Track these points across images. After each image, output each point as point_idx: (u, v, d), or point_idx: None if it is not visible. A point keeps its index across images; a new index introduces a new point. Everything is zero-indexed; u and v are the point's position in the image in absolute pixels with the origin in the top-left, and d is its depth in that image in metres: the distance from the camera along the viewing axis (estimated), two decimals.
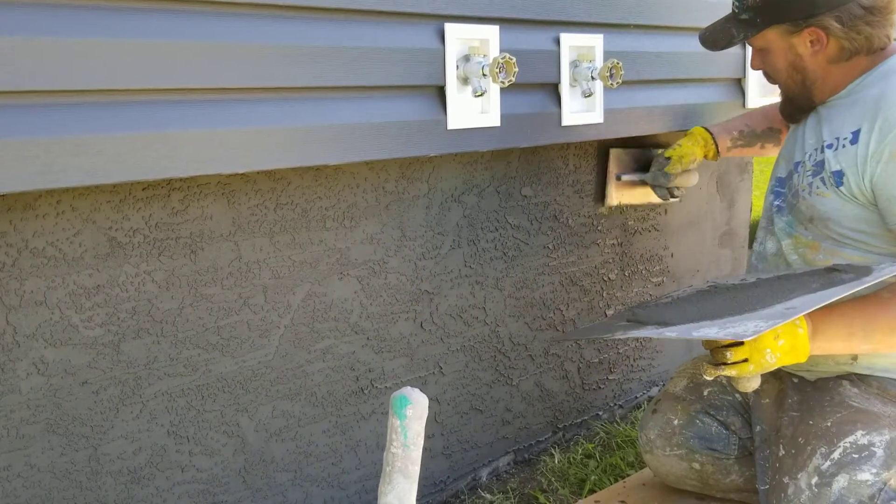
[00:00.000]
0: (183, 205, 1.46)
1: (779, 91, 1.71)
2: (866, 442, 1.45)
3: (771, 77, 1.68)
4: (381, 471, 1.07)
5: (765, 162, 4.79)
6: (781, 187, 1.67)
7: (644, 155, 2.27)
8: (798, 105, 1.65)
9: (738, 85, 2.45)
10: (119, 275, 1.40)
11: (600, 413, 2.42)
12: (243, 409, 1.60)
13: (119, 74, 1.21)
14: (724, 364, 1.41)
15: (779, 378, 1.66)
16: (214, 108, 1.34)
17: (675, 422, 1.74)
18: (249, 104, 1.38)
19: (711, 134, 2.02)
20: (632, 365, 2.51)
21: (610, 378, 2.43)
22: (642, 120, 2.16)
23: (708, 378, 1.45)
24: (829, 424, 1.49)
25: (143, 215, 1.42)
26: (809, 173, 1.55)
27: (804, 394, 1.60)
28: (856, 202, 1.48)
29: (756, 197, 3.22)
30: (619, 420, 2.42)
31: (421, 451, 1.05)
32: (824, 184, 1.51)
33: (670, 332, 1.46)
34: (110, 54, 1.20)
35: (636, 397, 2.54)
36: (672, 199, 2.14)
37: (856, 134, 1.47)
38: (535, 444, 2.23)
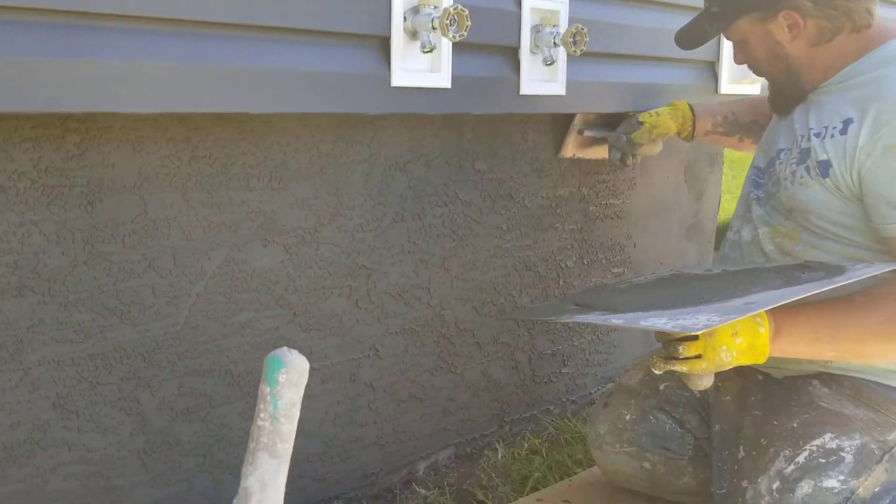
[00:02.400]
0: (79, 149, 1.29)
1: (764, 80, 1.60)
2: (835, 446, 1.32)
3: (756, 69, 1.56)
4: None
5: (738, 167, 4.70)
6: (760, 177, 1.56)
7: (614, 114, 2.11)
8: (788, 95, 1.52)
9: (712, 69, 2.32)
10: None
11: (551, 408, 2.28)
12: (145, 384, 1.43)
13: None
14: (675, 359, 1.27)
15: (742, 375, 1.53)
16: (115, 38, 1.17)
17: (627, 416, 1.61)
18: (158, 36, 1.22)
19: (693, 113, 1.90)
20: (587, 359, 2.37)
21: (563, 371, 2.30)
22: (608, 96, 2.02)
23: (657, 372, 1.32)
24: (795, 425, 1.36)
25: (31, 157, 1.24)
26: (794, 161, 1.43)
27: (769, 392, 1.47)
28: (840, 195, 1.36)
29: (727, 201, 3.11)
30: (570, 416, 2.28)
31: (295, 425, 0.90)
32: (808, 173, 1.39)
33: (616, 320, 1.32)
34: None
35: (590, 393, 2.41)
36: (624, 166, 1.99)
37: (846, 123, 1.35)
38: (478, 437, 2.09)
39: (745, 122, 1.87)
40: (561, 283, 2.21)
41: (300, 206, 1.58)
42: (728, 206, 2.54)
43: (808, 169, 1.39)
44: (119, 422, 1.41)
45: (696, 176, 2.62)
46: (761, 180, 1.54)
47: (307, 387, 1.67)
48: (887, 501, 1.30)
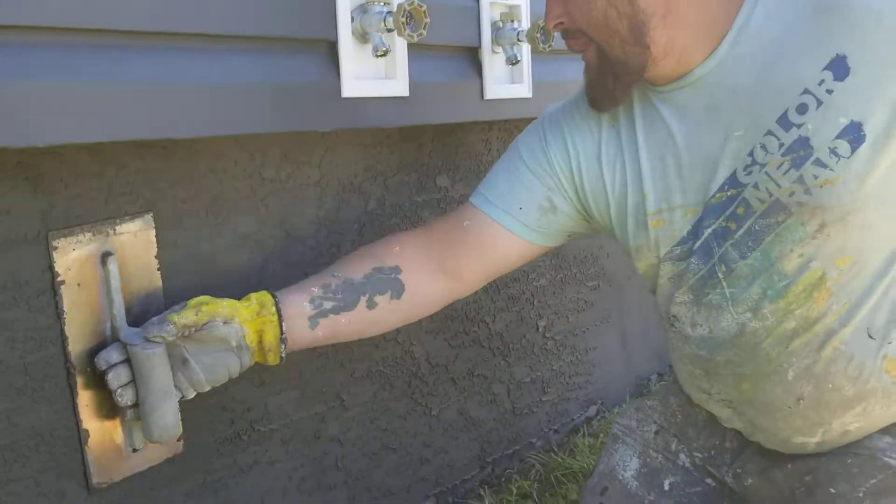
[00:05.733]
0: None
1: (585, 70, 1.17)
2: None
3: (580, 32, 1.11)
4: None
5: None
6: (695, 237, 1.12)
7: None
8: (627, 70, 1.09)
9: None
10: None
11: (534, 440, 2.08)
12: (69, 473, 1.17)
13: None
14: None
15: (764, 454, 1.23)
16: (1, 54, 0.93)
17: None
18: (56, 51, 0.98)
19: (275, 298, 1.17)
20: (567, 382, 2.18)
21: (543, 399, 2.10)
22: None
23: None
24: (860, 495, 1.05)
25: None
26: (783, 169, 1.03)
27: (812, 457, 1.16)
28: (887, 149, 0.99)
29: None
30: (555, 448, 2.09)
31: None
32: (824, 165, 1.00)
33: None
34: None
35: (573, 419, 2.22)
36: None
37: (838, 62, 0.99)
38: (459, 483, 1.87)
39: (363, 278, 1.22)
40: (535, 302, 2.02)
41: (242, 242, 1.35)
42: None
43: (818, 162, 1.00)
44: None
45: None
46: (695, 241, 1.12)
47: (267, 453, 1.45)
48: None
